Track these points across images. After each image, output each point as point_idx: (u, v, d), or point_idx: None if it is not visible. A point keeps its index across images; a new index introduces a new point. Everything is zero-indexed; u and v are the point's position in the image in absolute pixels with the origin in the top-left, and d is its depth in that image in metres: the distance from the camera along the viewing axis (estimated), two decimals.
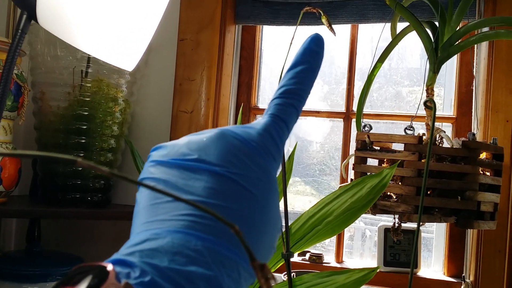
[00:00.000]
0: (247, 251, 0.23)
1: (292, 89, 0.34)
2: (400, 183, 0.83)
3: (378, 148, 0.87)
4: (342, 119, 1.28)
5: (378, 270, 1.15)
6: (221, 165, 0.30)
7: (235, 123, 1.33)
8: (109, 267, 0.25)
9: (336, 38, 1.30)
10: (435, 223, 1.22)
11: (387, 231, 1.16)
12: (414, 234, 1.13)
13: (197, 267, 0.26)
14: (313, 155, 1.41)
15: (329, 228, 0.73)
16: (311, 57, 0.35)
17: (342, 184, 0.79)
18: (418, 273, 1.14)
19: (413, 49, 1.39)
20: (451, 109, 1.21)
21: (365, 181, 0.72)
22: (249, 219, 0.29)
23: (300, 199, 1.46)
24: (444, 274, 1.16)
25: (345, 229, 1.33)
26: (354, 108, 1.25)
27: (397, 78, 1.36)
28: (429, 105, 0.63)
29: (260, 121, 0.33)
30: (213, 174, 0.30)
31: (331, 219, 0.73)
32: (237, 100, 1.33)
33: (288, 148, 1.15)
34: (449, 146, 0.83)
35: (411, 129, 0.84)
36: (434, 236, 1.22)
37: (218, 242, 0.27)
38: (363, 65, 1.32)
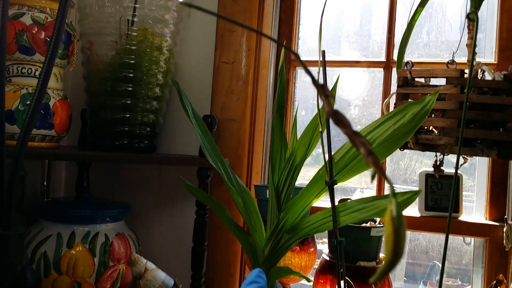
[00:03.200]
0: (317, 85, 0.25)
1: None
2: (441, 117, 0.84)
3: (420, 84, 0.87)
4: (382, 69, 1.28)
5: (419, 215, 1.17)
6: None
7: (276, 74, 1.35)
8: None
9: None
10: (477, 169, 1.22)
11: (428, 176, 1.17)
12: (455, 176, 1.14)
13: None
14: (353, 123, 1.42)
15: None
16: (261, 280, 0.58)
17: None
18: (459, 218, 1.15)
19: (452, 21, 1.37)
20: (492, 55, 1.20)
21: (407, 108, 0.73)
22: None
23: None
24: (486, 219, 1.17)
25: None
26: (395, 57, 1.25)
27: (436, 52, 1.35)
28: (472, 17, 0.63)
29: None
30: None
31: (374, 147, 0.74)
32: (277, 52, 1.35)
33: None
34: (491, 79, 0.83)
35: (453, 63, 0.84)
36: (476, 182, 1.22)
37: None
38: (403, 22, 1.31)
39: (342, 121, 0.25)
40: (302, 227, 0.81)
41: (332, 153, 0.76)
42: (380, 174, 0.26)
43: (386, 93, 1.26)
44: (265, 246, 0.85)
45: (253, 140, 1.27)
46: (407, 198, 0.72)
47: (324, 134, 0.77)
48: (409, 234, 1.40)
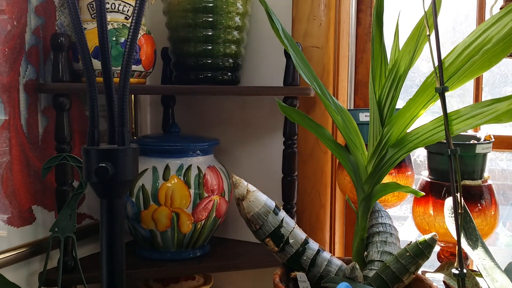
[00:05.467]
0: None
1: None
2: None
3: None
4: None
5: None
6: None
7: None
8: None
9: None
10: None
11: None
12: None
13: None
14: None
15: (486, 58, 0.69)
16: None
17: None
18: None
19: None
20: None
21: None
22: None
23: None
24: None
25: None
26: None
27: None
28: None
29: None
30: None
31: (490, 47, 0.68)
32: None
33: None
34: None
35: None
36: None
37: None
38: None
39: None
40: (410, 139, 0.77)
41: (442, 58, 0.71)
42: None
43: (481, 5, 1.17)
44: (368, 163, 0.82)
45: (338, 67, 1.22)
46: None
47: (432, 38, 0.71)
48: (507, 154, 1.33)
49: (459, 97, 1.47)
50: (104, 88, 0.61)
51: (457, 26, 1.42)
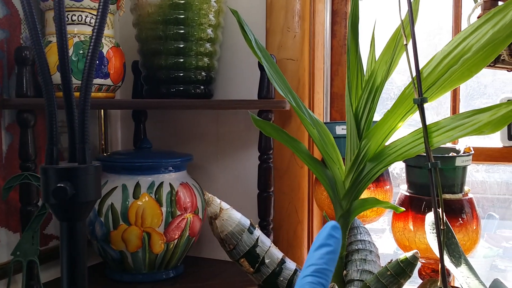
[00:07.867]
0: None
1: (321, 268, 0.42)
2: None
3: None
4: None
5: (502, 145, 1.08)
6: None
7: (332, 7, 1.26)
8: None
9: None
10: None
11: None
12: None
13: None
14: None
15: (466, 67, 0.67)
16: (333, 241, 0.43)
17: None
18: None
19: None
20: None
21: (508, 6, 0.65)
22: None
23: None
24: None
25: None
26: None
27: None
28: None
29: None
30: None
31: (470, 56, 0.66)
32: None
33: None
34: None
35: None
36: None
37: None
38: None
39: None
40: (388, 153, 0.74)
41: (420, 68, 0.69)
42: None
43: (457, 17, 1.16)
44: (346, 178, 0.79)
45: (313, 80, 1.20)
46: None
47: (409, 47, 0.69)
48: (487, 166, 1.32)
49: (434, 109, 1.45)
50: (64, 102, 0.57)
51: (430, 39, 1.42)
